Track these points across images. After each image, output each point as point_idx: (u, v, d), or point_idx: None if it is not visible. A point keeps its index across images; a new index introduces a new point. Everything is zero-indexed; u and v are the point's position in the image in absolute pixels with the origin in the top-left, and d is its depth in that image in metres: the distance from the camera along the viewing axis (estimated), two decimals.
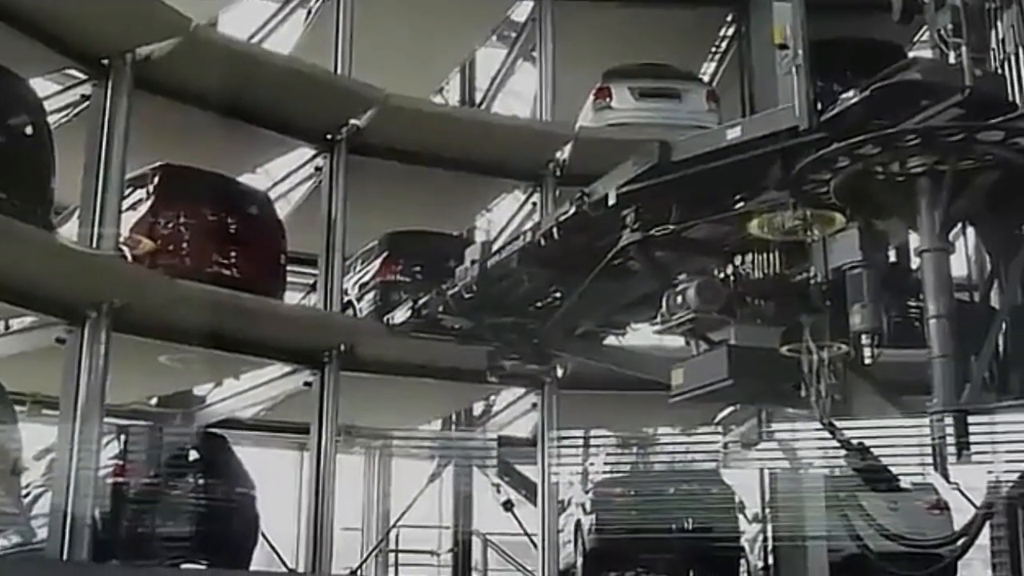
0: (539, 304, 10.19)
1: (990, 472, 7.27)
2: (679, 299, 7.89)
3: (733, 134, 7.64)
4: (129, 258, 11.01)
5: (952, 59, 6.91)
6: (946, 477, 7.25)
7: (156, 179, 11.71)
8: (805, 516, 12.66)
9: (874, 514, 9.65)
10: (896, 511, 11.79)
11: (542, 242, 9.08)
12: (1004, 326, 7.01)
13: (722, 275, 8.00)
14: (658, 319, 8.25)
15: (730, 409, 13.91)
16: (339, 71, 13.11)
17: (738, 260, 7.93)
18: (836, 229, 7.10)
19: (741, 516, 14.08)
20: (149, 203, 11.56)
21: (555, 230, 8.88)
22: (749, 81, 14.65)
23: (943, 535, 11.28)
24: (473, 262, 10.16)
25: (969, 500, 12.98)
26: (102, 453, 10.84)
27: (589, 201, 8.40)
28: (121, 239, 10.94)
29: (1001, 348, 7.01)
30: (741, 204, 8.03)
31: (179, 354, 11.75)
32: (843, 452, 8.06)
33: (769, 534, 13.89)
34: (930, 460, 7.10)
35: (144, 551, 10.94)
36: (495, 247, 10.10)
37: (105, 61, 11.09)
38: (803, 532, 12.66)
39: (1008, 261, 7.12)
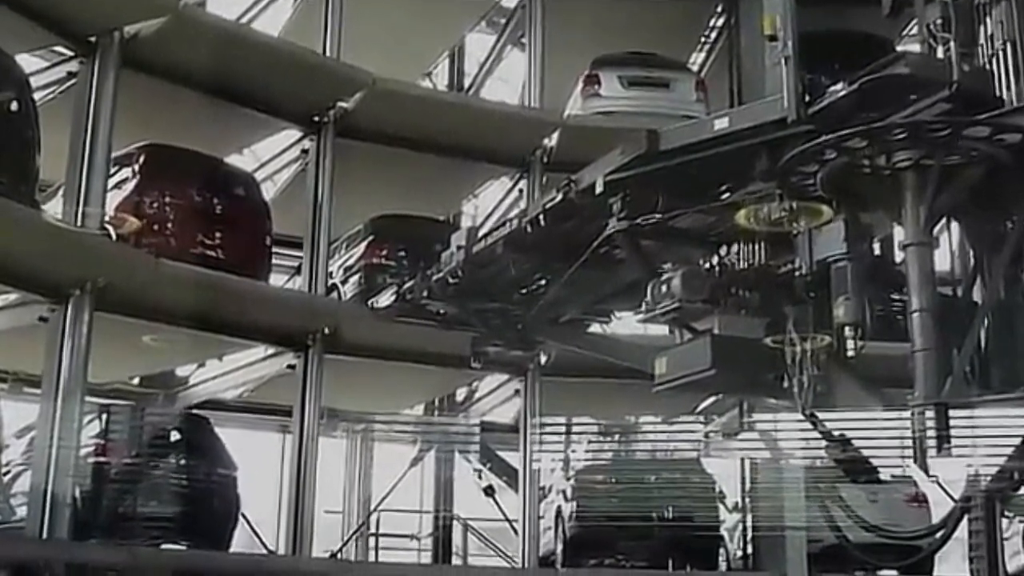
0: (524, 291, 10.18)
1: (969, 466, 7.32)
2: (664, 288, 7.90)
3: (721, 125, 7.64)
4: (114, 237, 10.97)
5: (940, 54, 6.92)
6: (925, 470, 7.29)
7: (142, 158, 11.66)
8: (785, 506, 12.72)
9: (854, 505, 9.71)
10: (875, 503, 11.87)
11: (528, 228, 9.07)
12: (986, 321, 7.04)
13: (707, 265, 8.01)
14: (643, 308, 8.26)
15: (712, 399, 13.95)
16: (327, 53, 13.07)
17: (724, 250, 7.94)
18: (822, 221, 7.10)
19: (721, 505, 14.13)
20: (134, 182, 11.51)
21: (541, 217, 8.88)
22: (738, 72, 14.67)
23: (922, 527, 11.37)
24: (459, 247, 10.15)
25: (948, 493, 13.08)
26: (84, 432, 10.81)
27: (576, 188, 8.40)
28: (106, 218, 10.90)
29: (983, 343, 7.05)
30: (727, 195, 8.05)
31: (163, 334, 11.72)
32: (824, 443, 8.09)
33: (749, 523, 13.95)
34: (910, 452, 7.13)
35: (124, 531, 10.92)
36: (481, 233, 10.09)
37: (92, 38, 11.05)
38: (782, 522, 12.73)
39: (991, 256, 7.15)
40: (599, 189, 8.22)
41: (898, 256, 8.17)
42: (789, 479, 12.58)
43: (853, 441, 8.11)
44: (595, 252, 8.64)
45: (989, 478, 7.34)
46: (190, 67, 11.71)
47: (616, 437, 15.22)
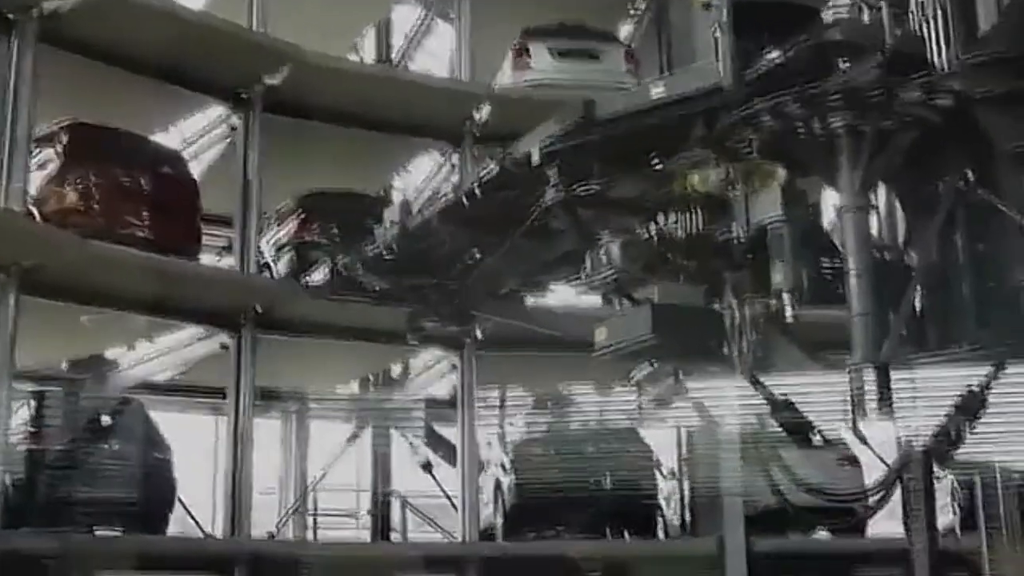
0: (460, 264, 10.11)
1: (905, 426, 7.43)
2: (603, 257, 7.89)
3: (657, 92, 7.62)
4: (38, 218, 10.73)
5: (868, 18, 6.97)
6: (860, 433, 7.39)
7: (65, 137, 11.43)
8: (721, 472, 12.86)
9: (793, 468, 9.83)
10: (812, 465, 12.00)
11: (464, 201, 9.00)
12: (921, 283, 7.15)
13: (646, 233, 8.00)
14: (581, 277, 8.25)
15: (647, 368, 14.02)
16: (253, 27, 12.88)
17: (661, 218, 7.93)
18: (776, 181, 7.12)
19: (658, 473, 14.24)
20: (58, 162, 11.27)
21: (478, 189, 8.80)
22: (668, 43, 14.71)
23: (856, 489, 11.52)
24: (393, 222, 10.05)
25: (878, 455, 13.27)
26: (13, 418, 10.60)
27: (512, 159, 8.34)
28: (30, 198, 10.66)
29: (918, 304, 7.16)
30: (661, 163, 8.05)
31: (93, 316, 11.51)
32: (764, 407, 8.16)
33: (686, 490, 14.09)
34: (845, 415, 7.22)
35: (58, 517, 10.74)
36: (416, 206, 10.00)
37: (10, 16, 10.76)
38: (719, 487, 12.87)
39: (925, 219, 7.25)
40: (535, 159, 8.17)
41: (827, 221, 8.27)
42: (724, 445, 12.71)
43: (795, 404, 8.19)
44: (532, 223, 8.60)
45: (926, 438, 7.48)
46: (112, 43, 11.52)
47: (553, 408, 15.24)
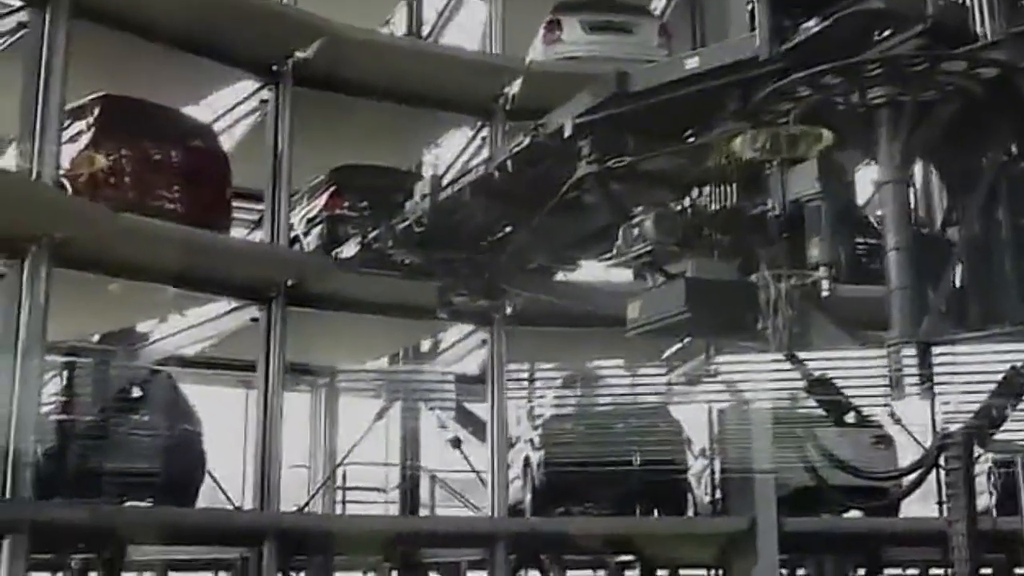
0: (491, 238, 10.04)
1: (946, 403, 7.32)
2: (636, 231, 7.79)
3: (692, 64, 7.52)
4: (70, 190, 10.72)
5: None
6: (892, 413, 7.29)
7: (97, 110, 11.40)
8: (753, 450, 12.77)
9: (827, 447, 9.74)
10: (846, 444, 11.90)
11: (496, 174, 8.91)
12: (962, 258, 7.02)
13: (679, 207, 7.90)
14: (614, 252, 8.15)
15: (678, 345, 13.93)
16: (285, 1, 12.81)
17: (696, 192, 7.83)
18: (825, 145, 6.97)
19: (688, 451, 14.16)
20: (90, 135, 11.25)
21: (509, 162, 8.72)
22: (701, 17, 14.55)
23: (891, 469, 11.42)
24: (424, 196, 9.98)
25: (910, 434, 13.16)
26: (45, 390, 10.63)
27: (545, 132, 8.24)
28: (61, 171, 10.65)
29: (959, 280, 7.03)
30: (694, 137, 7.95)
31: (122, 288, 11.51)
32: (799, 385, 8.06)
33: (717, 468, 14.00)
34: (887, 392, 7.11)
35: (88, 489, 10.77)
36: (446, 180, 9.93)
37: None
38: (751, 466, 12.78)
39: (967, 193, 7.10)
40: (568, 132, 8.07)
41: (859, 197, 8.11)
42: (756, 422, 12.62)
43: (832, 382, 8.08)
44: (564, 197, 8.50)
45: (966, 418, 7.35)
46: (144, 16, 11.44)
47: (583, 385, 15.16)
